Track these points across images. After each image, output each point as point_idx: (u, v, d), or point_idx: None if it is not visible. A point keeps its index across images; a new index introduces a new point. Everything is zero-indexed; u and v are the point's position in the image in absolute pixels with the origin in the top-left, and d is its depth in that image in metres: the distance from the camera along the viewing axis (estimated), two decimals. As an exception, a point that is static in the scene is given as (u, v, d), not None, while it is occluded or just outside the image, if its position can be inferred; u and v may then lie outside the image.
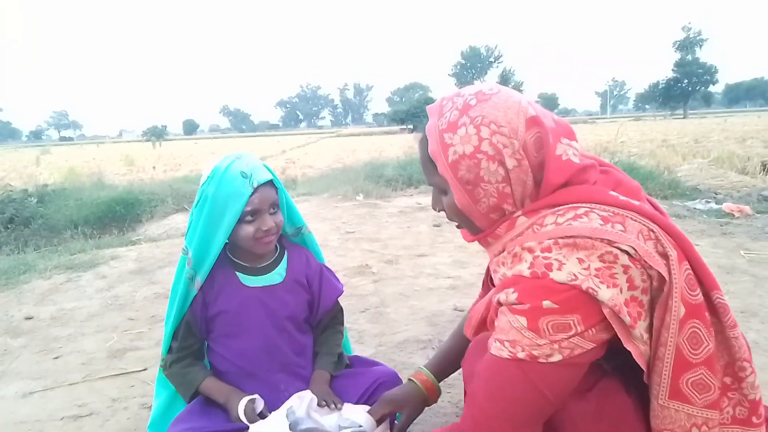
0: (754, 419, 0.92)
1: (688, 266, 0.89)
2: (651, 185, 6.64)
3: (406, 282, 3.39)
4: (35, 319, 3.05)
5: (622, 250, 0.85)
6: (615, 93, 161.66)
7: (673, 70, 72.96)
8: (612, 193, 0.94)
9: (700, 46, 72.76)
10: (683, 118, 58.02)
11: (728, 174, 7.83)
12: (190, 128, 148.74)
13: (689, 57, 72.48)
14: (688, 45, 72.77)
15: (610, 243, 0.86)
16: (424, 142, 1.05)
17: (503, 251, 1.00)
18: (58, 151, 37.83)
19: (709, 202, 5.96)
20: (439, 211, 1.13)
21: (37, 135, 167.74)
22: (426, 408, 1.87)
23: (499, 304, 0.94)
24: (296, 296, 1.55)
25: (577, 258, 0.86)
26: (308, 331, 1.63)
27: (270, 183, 1.42)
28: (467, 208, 1.02)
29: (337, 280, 1.68)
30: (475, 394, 0.96)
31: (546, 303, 0.85)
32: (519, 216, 0.98)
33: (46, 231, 6.91)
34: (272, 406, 1.41)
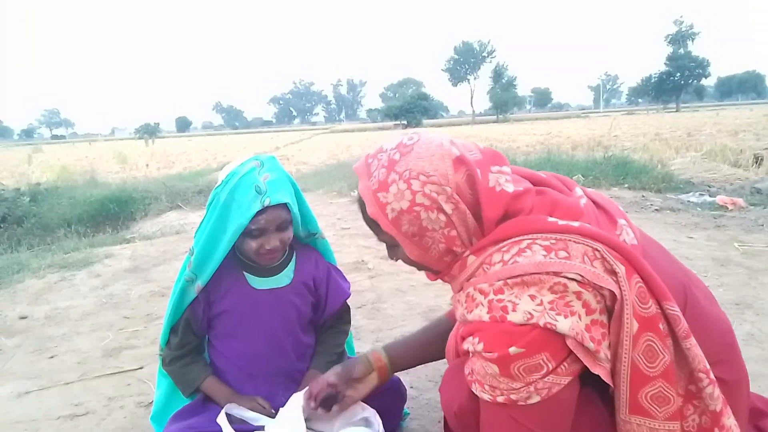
0: (716, 430, 0.92)
1: (639, 279, 0.89)
2: (645, 179, 6.67)
3: (402, 277, 3.39)
4: (29, 319, 3.03)
5: (569, 278, 0.86)
6: (608, 87, 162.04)
7: (665, 63, 73.15)
8: (550, 219, 0.94)
9: (692, 40, 72.94)
10: (676, 111, 58.26)
11: (721, 167, 7.87)
12: (183, 125, 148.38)
13: (681, 51, 72.65)
14: (680, 39, 72.91)
15: (556, 274, 0.86)
16: (362, 204, 1.06)
17: (461, 290, 1.01)
18: (50, 149, 37.60)
19: (702, 194, 5.99)
20: (396, 261, 1.14)
21: (28, 133, 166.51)
22: (424, 402, 1.88)
23: (467, 351, 0.94)
24: (303, 299, 1.53)
25: (529, 295, 0.86)
26: (312, 332, 1.62)
27: (283, 204, 1.35)
28: (420, 257, 1.04)
29: (345, 279, 1.66)
30: None
31: (512, 349, 0.85)
32: (468, 255, 0.99)
33: (39, 230, 6.87)
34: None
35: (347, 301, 1.66)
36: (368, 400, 1.46)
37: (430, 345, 1.48)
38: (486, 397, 0.91)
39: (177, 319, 1.46)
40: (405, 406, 1.69)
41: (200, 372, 1.48)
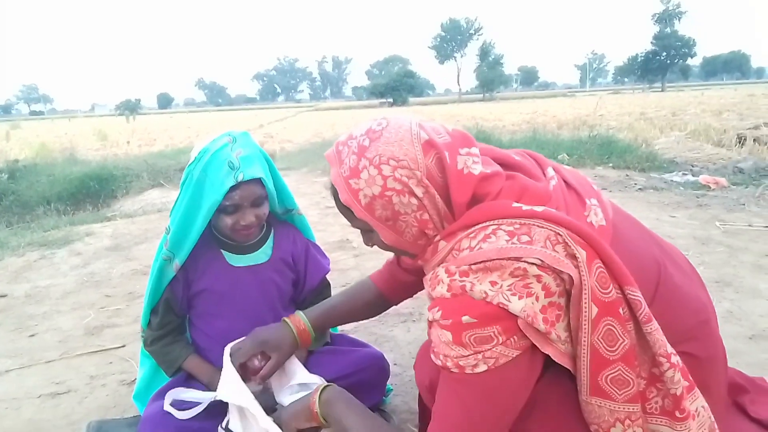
0: (677, 413, 0.93)
1: (600, 264, 0.90)
2: (629, 158, 6.72)
3: (386, 256, 3.35)
4: (9, 297, 2.99)
5: (529, 263, 0.87)
6: (594, 66, 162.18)
7: (651, 42, 73.29)
8: (515, 204, 0.96)
9: (679, 19, 73.10)
10: (661, 91, 58.58)
11: (704, 146, 7.93)
12: (165, 102, 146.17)
13: (668, 30, 72.82)
14: (666, 17, 73.02)
15: (517, 259, 0.88)
16: (334, 192, 1.06)
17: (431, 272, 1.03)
18: (28, 125, 36.70)
19: (685, 174, 6.05)
20: (372, 246, 1.14)
21: (6, 109, 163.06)
22: (408, 379, 1.89)
23: (429, 322, 0.97)
24: (282, 275, 1.53)
25: (490, 281, 0.88)
26: (293, 308, 1.61)
27: (257, 178, 1.34)
28: (395, 241, 1.05)
29: (324, 256, 1.66)
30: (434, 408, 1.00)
31: (465, 318, 0.88)
32: (439, 240, 1.01)
33: (18, 207, 6.76)
34: None
35: (327, 276, 1.66)
36: (351, 375, 1.47)
37: (354, 312, 1.52)
38: (438, 363, 0.94)
39: (157, 299, 1.44)
40: (388, 382, 1.70)
41: (182, 351, 1.47)
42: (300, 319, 1.42)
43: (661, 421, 0.95)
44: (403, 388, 1.85)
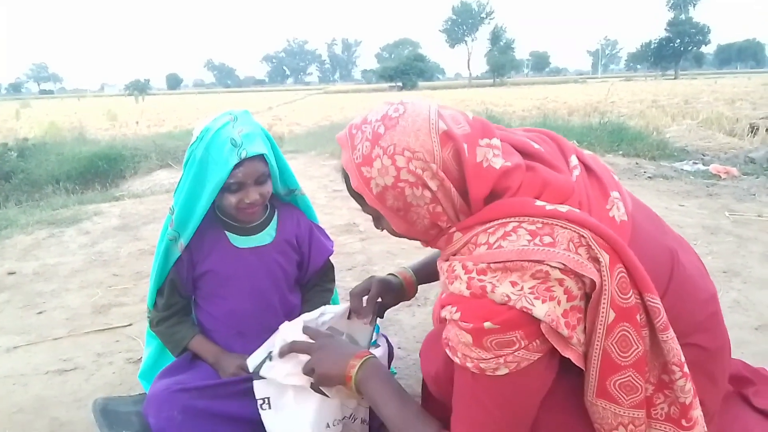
0: (683, 422, 0.92)
1: (622, 268, 0.87)
2: (639, 146, 6.66)
3: (392, 240, 3.35)
4: (18, 275, 3.02)
5: (552, 266, 0.85)
6: (607, 52, 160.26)
7: (665, 29, 72.28)
8: (538, 203, 0.92)
9: (694, 5, 72.08)
10: (674, 78, 57.77)
11: (716, 135, 7.86)
12: (174, 83, 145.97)
13: (682, 16, 71.78)
14: (681, 4, 72.01)
15: (539, 262, 0.85)
16: (345, 176, 1.03)
17: (446, 260, 1.01)
18: (38, 104, 36.87)
19: (696, 163, 5.99)
20: (382, 231, 1.14)
21: (16, 88, 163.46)
22: (412, 362, 1.90)
23: (445, 319, 0.95)
24: (286, 257, 1.53)
25: (510, 281, 0.86)
26: (297, 291, 1.62)
27: (260, 156, 1.34)
28: (405, 230, 1.03)
29: (327, 238, 1.65)
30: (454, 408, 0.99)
31: (487, 324, 0.86)
32: (455, 232, 0.99)
33: (27, 186, 6.81)
34: None
35: (330, 259, 1.66)
36: None
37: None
38: (457, 361, 0.92)
39: (163, 279, 1.45)
40: (392, 366, 1.70)
41: (188, 332, 1.48)
42: (406, 273, 1.52)
43: (664, 428, 0.94)
44: (407, 371, 1.86)
